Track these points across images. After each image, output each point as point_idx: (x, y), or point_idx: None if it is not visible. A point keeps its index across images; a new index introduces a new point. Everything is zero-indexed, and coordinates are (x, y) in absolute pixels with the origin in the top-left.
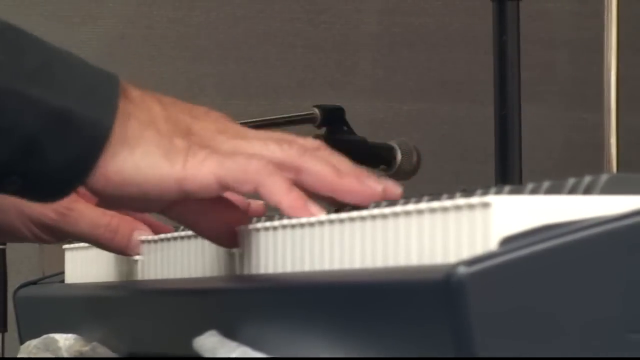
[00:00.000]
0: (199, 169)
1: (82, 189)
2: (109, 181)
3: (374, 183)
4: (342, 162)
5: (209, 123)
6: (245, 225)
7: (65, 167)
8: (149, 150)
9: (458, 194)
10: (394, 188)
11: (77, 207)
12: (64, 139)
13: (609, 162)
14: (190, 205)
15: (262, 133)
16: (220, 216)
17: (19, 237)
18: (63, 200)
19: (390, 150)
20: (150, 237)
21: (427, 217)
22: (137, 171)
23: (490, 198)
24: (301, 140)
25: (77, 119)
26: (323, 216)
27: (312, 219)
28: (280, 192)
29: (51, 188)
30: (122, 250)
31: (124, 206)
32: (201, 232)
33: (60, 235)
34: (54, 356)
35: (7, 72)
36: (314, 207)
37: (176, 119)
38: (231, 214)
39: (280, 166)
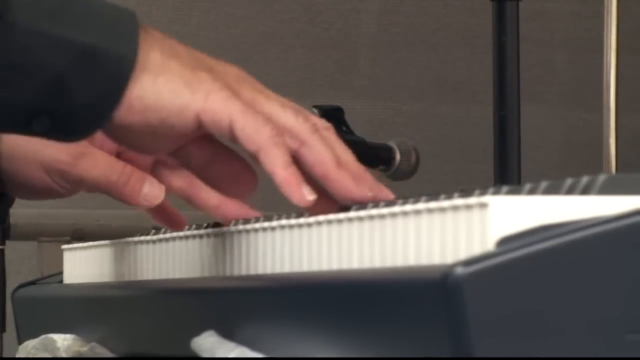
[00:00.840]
0: (220, 106)
1: (98, 134)
2: (130, 108)
3: (366, 187)
4: (346, 153)
5: (231, 69)
6: (243, 225)
7: (92, 103)
8: (171, 78)
9: (456, 194)
10: (386, 196)
11: (92, 152)
12: (89, 75)
13: (608, 162)
14: (200, 149)
15: (282, 98)
16: (227, 166)
17: (31, 188)
18: (78, 144)
19: (389, 151)
20: (149, 237)
21: (424, 218)
22: (158, 98)
23: (488, 198)
24: (315, 118)
25: (101, 54)
26: (320, 217)
27: (311, 220)
28: (278, 163)
29: (80, 125)
30: (133, 199)
31: (141, 140)
32: (207, 179)
33: (73, 181)
34: (52, 356)
35: (28, 13)
36: (306, 189)
37: (199, 57)
38: (237, 166)
39: (289, 133)
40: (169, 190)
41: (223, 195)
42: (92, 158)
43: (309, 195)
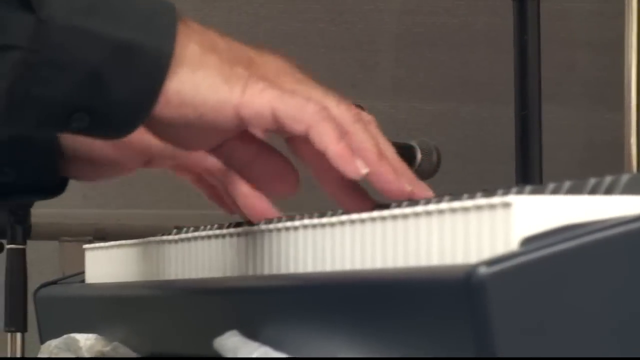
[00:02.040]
0: (257, 97)
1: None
2: (168, 102)
3: (406, 182)
4: (388, 147)
5: (272, 60)
6: (266, 225)
7: (130, 99)
8: (209, 73)
9: (479, 194)
10: (425, 193)
11: None
12: (127, 70)
13: (630, 162)
14: (242, 146)
15: (325, 88)
16: (269, 165)
17: (100, 163)
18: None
19: (411, 150)
20: (171, 237)
21: (448, 217)
22: (196, 93)
23: (511, 198)
24: (358, 109)
25: (138, 49)
26: (344, 216)
27: (333, 219)
28: (330, 138)
29: (119, 121)
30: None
31: (181, 135)
32: (248, 178)
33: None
34: (75, 356)
35: (64, 8)
36: (359, 162)
37: (238, 49)
38: (280, 164)
39: (332, 121)
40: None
41: (265, 193)
42: None
43: (362, 169)
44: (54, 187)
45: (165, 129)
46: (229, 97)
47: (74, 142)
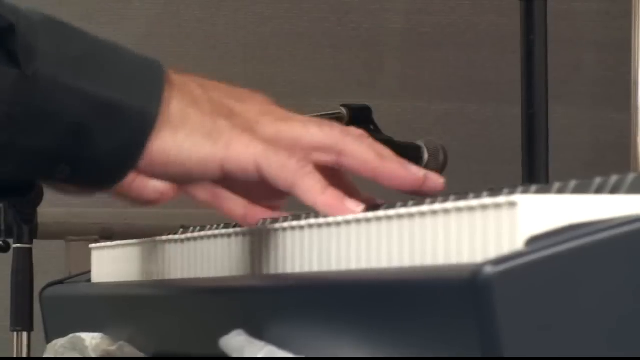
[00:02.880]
0: (242, 152)
1: None
2: (153, 161)
3: (416, 169)
4: (385, 150)
5: (251, 105)
6: (272, 224)
7: (113, 154)
8: (192, 130)
9: (485, 194)
10: (437, 178)
11: None
12: (111, 127)
13: (636, 162)
14: (231, 185)
15: (304, 117)
16: (260, 189)
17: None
18: None
19: (417, 150)
20: (177, 236)
21: (453, 217)
22: (180, 151)
23: (517, 197)
24: (341, 126)
25: (124, 108)
26: (349, 215)
27: (339, 218)
28: (314, 192)
29: (100, 175)
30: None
31: (168, 182)
32: (238, 192)
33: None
34: (80, 356)
35: (52, 63)
36: (350, 204)
37: (219, 101)
38: (269, 200)
39: (321, 148)
40: (195, 202)
41: (251, 203)
42: None
43: (356, 209)
44: (24, 189)
45: (155, 178)
46: (213, 152)
47: None
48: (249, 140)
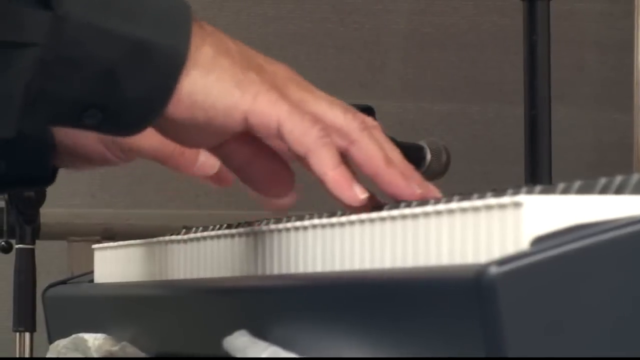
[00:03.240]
0: (268, 108)
1: None
2: (179, 103)
3: (415, 185)
4: (394, 151)
5: (280, 68)
6: (275, 225)
7: (143, 97)
8: (222, 76)
9: (489, 194)
10: (434, 193)
11: None
12: (141, 68)
13: (639, 162)
14: (241, 147)
15: (330, 97)
16: (266, 166)
17: (86, 158)
18: None
19: (420, 150)
20: (180, 236)
21: (458, 217)
22: (207, 95)
23: (522, 198)
24: (363, 116)
25: (153, 48)
26: (353, 216)
27: (343, 219)
28: (328, 164)
29: (131, 119)
30: (188, 169)
31: (187, 134)
32: (245, 178)
33: (129, 150)
34: (83, 356)
35: (81, 5)
36: (357, 187)
37: (250, 55)
38: (277, 166)
39: (338, 132)
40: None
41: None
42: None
43: (361, 194)
44: (45, 178)
45: (173, 128)
46: (240, 102)
47: (58, 133)
48: (277, 98)
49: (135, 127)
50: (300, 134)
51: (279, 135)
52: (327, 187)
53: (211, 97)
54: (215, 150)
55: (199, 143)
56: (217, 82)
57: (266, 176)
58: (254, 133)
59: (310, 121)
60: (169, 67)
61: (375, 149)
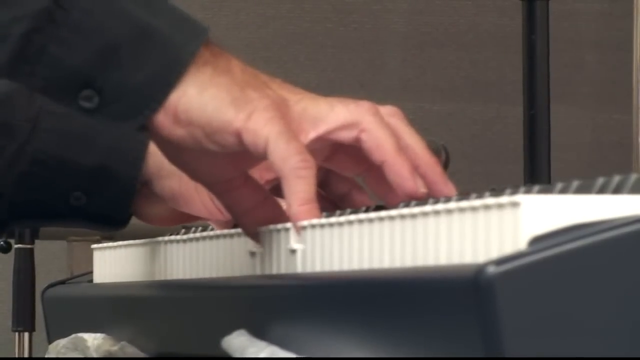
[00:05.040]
0: (259, 127)
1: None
2: (176, 119)
3: (421, 184)
4: (413, 138)
5: (283, 87)
6: (273, 225)
7: (141, 86)
8: (218, 94)
9: (487, 194)
10: (449, 192)
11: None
12: (145, 54)
13: (638, 161)
14: (247, 194)
15: (332, 99)
16: (267, 213)
17: (192, 209)
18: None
19: None
20: (179, 237)
21: (456, 217)
22: (203, 112)
23: (520, 197)
24: (373, 104)
25: (163, 37)
26: (352, 216)
27: (341, 219)
28: (296, 198)
29: (127, 107)
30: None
31: (186, 159)
32: (244, 223)
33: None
34: (82, 356)
35: None
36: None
37: (253, 75)
38: (277, 213)
39: (345, 126)
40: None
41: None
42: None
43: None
44: (119, 221)
45: (176, 151)
46: (234, 119)
47: (162, 183)
48: (270, 118)
49: (132, 116)
50: (280, 158)
51: (265, 155)
52: (289, 218)
53: (207, 113)
54: (220, 195)
55: (209, 174)
56: (212, 100)
57: (267, 221)
58: (246, 150)
59: (295, 149)
60: (174, 61)
61: (385, 136)
